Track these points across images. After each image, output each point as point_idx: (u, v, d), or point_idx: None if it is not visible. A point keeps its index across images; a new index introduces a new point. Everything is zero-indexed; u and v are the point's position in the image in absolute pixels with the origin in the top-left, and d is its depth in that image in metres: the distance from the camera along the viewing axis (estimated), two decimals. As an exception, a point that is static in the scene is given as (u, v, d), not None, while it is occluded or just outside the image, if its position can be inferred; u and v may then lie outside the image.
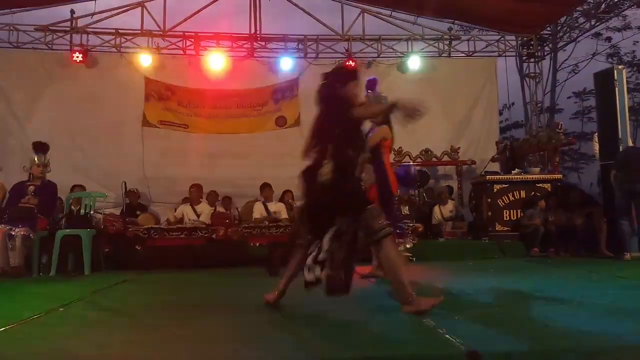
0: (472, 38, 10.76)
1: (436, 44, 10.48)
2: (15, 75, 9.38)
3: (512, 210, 7.72)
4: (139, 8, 9.63)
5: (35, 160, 6.07)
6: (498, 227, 7.67)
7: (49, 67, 9.46)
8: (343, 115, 3.16)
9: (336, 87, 3.28)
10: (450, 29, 10.92)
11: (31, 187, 6.02)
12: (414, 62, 10.00)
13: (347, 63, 9.89)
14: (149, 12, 9.65)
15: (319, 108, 3.38)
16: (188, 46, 9.93)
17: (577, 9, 9.62)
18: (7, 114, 9.23)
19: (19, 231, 5.60)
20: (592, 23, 9.97)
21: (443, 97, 10.13)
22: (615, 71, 7.23)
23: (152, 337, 2.57)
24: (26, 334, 2.69)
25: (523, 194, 7.76)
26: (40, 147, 6.14)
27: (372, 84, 5.24)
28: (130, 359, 2.17)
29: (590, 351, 2.18)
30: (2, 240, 5.53)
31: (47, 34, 9.60)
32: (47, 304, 3.61)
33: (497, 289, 4.01)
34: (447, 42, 10.49)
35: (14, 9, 9.39)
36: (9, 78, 9.34)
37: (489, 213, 7.74)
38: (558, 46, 11.21)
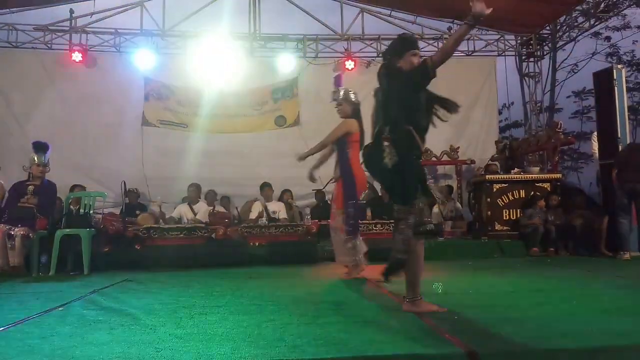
0: (472, 37, 10.74)
1: (435, 44, 10.48)
2: (14, 75, 9.37)
3: (511, 210, 7.72)
4: (139, 7, 9.63)
5: (35, 160, 6.07)
6: (497, 227, 7.67)
7: (48, 67, 9.46)
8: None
9: (393, 61, 3.18)
10: (449, 28, 10.94)
11: (31, 186, 6.01)
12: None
13: (346, 62, 9.91)
14: (148, 12, 9.66)
15: (382, 88, 3.23)
16: (188, 46, 9.92)
17: (577, 8, 9.62)
18: (6, 114, 9.23)
19: (18, 231, 5.60)
20: (592, 22, 9.97)
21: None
22: (614, 70, 7.24)
23: (151, 336, 2.57)
24: (25, 333, 2.69)
25: (522, 193, 7.77)
26: (40, 147, 6.14)
27: (338, 80, 5.31)
28: (129, 359, 2.17)
29: (589, 350, 2.18)
30: (2, 239, 5.53)
31: (47, 33, 9.60)
32: (47, 303, 3.61)
33: (496, 289, 4.01)
34: (447, 42, 10.47)
35: (13, 9, 9.39)
36: (8, 78, 9.34)
37: (489, 212, 7.74)
38: (557, 45, 11.23)
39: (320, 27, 10.17)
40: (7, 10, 9.36)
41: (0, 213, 5.95)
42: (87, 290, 4.23)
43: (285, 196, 8.44)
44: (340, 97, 5.06)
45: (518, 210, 7.66)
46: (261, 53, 10.24)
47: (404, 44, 3.27)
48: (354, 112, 4.99)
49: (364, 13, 10.15)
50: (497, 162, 9.04)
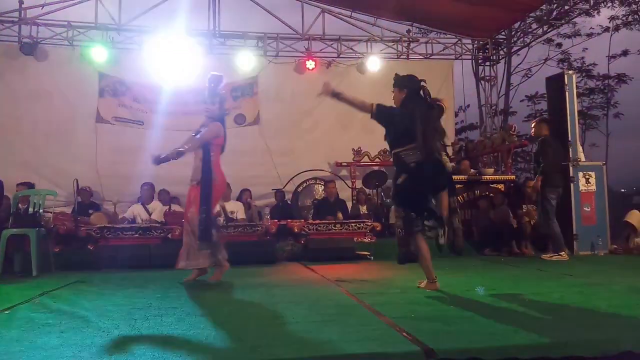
0: (430, 41, 10.94)
1: (395, 46, 10.61)
2: (-40, 67, 8.93)
3: (467, 210, 7.89)
4: (93, 0, 9.34)
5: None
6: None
7: (-4, 59, 9.05)
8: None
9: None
10: (408, 31, 11.10)
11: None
12: (373, 64, 10.09)
13: (307, 62, 9.91)
14: (103, 5, 9.37)
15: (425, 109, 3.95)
16: (144, 41, 9.68)
17: (531, 15, 9.94)
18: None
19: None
20: (545, 29, 10.33)
21: (402, 98, 10.27)
22: (565, 76, 7.49)
23: (104, 340, 2.49)
24: (-32, 338, 2.56)
25: (477, 193, 7.96)
26: (-14, 143, 5.88)
27: (217, 80, 5.26)
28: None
29: (542, 346, 2.24)
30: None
31: (-6, 24, 9.18)
32: (-9, 306, 3.46)
33: (452, 287, 4.08)
34: (406, 44, 10.63)
35: (-42, -2, 8.95)
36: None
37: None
38: (512, 50, 11.55)
39: (281, 26, 10.13)
40: (-48, -2, 8.92)
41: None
42: (36, 293, 4.07)
43: (245, 195, 8.36)
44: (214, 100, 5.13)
45: (473, 211, 7.83)
46: (220, 50, 10.12)
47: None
48: (221, 116, 5.12)
49: (325, 13, 10.18)
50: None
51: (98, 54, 9.13)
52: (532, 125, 6.94)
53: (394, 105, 4.05)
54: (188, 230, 4.73)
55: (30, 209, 6.02)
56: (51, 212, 7.07)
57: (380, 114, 3.96)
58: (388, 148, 4.15)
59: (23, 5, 9.25)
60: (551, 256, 6.38)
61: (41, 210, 6.10)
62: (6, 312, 3.29)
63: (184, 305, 3.47)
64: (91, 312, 3.20)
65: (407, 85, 4.05)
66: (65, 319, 3.02)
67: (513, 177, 8.49)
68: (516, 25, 10.56)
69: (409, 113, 3.86)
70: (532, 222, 7.22)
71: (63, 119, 9.10)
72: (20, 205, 6.19)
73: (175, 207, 8.22)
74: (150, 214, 7.55)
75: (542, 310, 3.11)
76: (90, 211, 7.74)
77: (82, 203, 7.71)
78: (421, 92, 4.01)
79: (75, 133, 9.18)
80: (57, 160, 8.90)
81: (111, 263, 6.05)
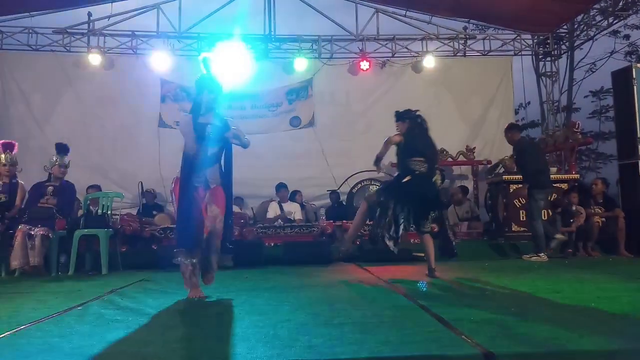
0: (488, 37, 10.69)
1: (451, 44, 10.43)
2: (34, 78, 9.53)
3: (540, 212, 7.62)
4: (155, 10, 9.73)
5: (56, 161, 6.16)
6: (514, 228, 7.60)
7: (67, 70, 9.60)
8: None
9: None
10: (465, 28, 10.87)
11: (50, 187, 6.11)
12: (429, 62, 9.97)
13: (361, 62, 9.90)
14: (164, 14, 9.75)
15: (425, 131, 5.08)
16: (203, 48, 9.99)
17: (594, 6, 9.50)
18: (26, 116, 9.38)
19: (38, 231, 5.69)
20: (610, 21, 9.83)
21: (458, 96, 10.10)
22: (633, 69, 7.14)
23: (167, 336, 2.60)
24: (45, 332, 2.73)
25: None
26: (62, 148, 6.23)
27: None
28: (147, 358, 2.19)
29: (607, 352, 2.16)
30: (22, 239, 5.62)
31: (65, 36, 9.74)
32: (66, 302, 3.66)
33: (513, 290, 3.98)
34: (462, 42, 10.43)
35: (33, 12, 9.54)
36: (28, 81, 9.50)
37: (505, 213, 7.68)
38: (575, 44, 11.07)
39: (335, 27, 10.18)
40: (27, 13, 9.51)
41: (20, 213, 6.05)
42: (105, 290, 4.28)
43: (297, 197, 8.48)
44: None
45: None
46: (276, 54, 10.28)
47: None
48: None
49: (379, 13, 10.14)
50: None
51: (160, 61, 9.50)
52: (505, 134, 7.02)
53: (400, 134, 5.00)
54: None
55: (100, 211, 6.35)
56: (118, 214, 7.42)
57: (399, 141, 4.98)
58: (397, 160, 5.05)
59: (91, 18, 9.76)
60: (530, 256, 6.41)
61: (109, 212, 6.42)
62: (79, 308, 3.48)
63: (243, 304, 3.55)
64: (155, 310, 3.34)
65: (408, 117, 5.10)
66: (132, 316, 3.16)
67: (577, 176, 8.15)
68: (579, 18, 10.10)
69: (418, 136, 4.98)
70: (599, 224, 6.91)
71: (128, 125, 9.53)
72: (90, 207, 6.53)
73: (234, 209, 8.42)
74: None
75: (609, 314, 2.97)
76: (154, 212, 8.06)
77: (146, 204, 8.05)
78: (418, 119, 5.08)
79: (140, 137, 9.58)
80: (123, 164, 9.32)
81: (174, 263, 6.25)
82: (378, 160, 5.06)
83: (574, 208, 7.03)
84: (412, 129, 5.01)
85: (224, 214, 3.96)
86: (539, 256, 6.36)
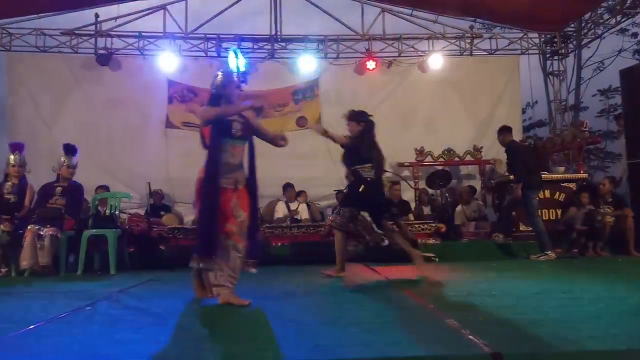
0: (494, 36, 10.67)
1: (457, 43, 10.40)
2: (42, 79, 9.60)
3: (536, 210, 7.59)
4: (162, 11, 9.77)
5: (64, 162, 6.20)
6: (522, 228, 7.56)
7: (74, 71, 9.66)
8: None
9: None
10: (471, 27, 10.86)
11: (59, 188, 6.15)
12: (435, 61, 9.95)
13: (367, 62, 9.90)
14: (171, 15, 9.79)
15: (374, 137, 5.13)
16: (209, 48, 10.03)
17: (602, 4, 9.45)
18: (35, 117, 9.45)
19: (47, 231, 5.73)
20: (618, 19, 9.77)
21: (465, 96, 10.08)
22: (641, 68, 7.09)
23: (177, 336, 2.61)
24: (54, 331, 2.76)
25: (547, 193, 7.64)
26: (70, 149, 6.28)
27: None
28: (155, 358, 2.20)
29: (616, 353, 2.14)
30: (32, 239, 5.66)
31: (73, 37, 9.79)
32: (75, 302, 3.69)
33: (521, 290, 3.96)
34: (469, 41, 10.40)
35: (41, 14, 9.60)
36: (36, 82, 9.56)
37: (513, 213, 7.64)
38: (582, 43, 11.01)
39: (341, 27, 10.18)
40: (35, 15, 9.57)
41: (30, 214, 6.09)
42: (114, 290, 4.31)
43: (301, 197, 8.50)
44: None
45: (544, 211, 7.53)
46: (282, 54, 10.30)
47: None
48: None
49: (385, 13, 10.13)
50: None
51: (167, 61, 9.54)
52: (497, 136, 7.22)
53: (350, 134, 5.08)
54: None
55: (108, 211, 6.39)
56: (127, 214, 7.47)
57: (348, 143, 5.09)
58: (345, 167, 5.20)
59: (98, 19, 9.81)
60: (538, 256, 6.41)
61: (117, 212, 6.46)
62: (88, 307, 3.50)
63: (251, 304, 3.55)
64: (164, 310, 3.35)
65: (364, 120, 5.09)
66: (141, 316, 3.18)
67: (585, 175, 8.10)
68: (586, 16, 10.05)
69: (368, 142, 5.02)
70: (609, 224, 6.87)
71: (135, 125, 9.57)
72: (99, 207, 6.57)
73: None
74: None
75: (618, 315, 2.95)
76: (162, 213, 8.09)
77: (154, 205, 8.08)
78: (372, 125, 5.10)
79: (147, 138, 9.62)
80: (131, 164, 9.36)
81: (181, 262, 6.28)
82: (326, 133, 5.14)
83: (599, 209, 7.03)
84: (364, 133, 5.06)
85: (250, 218, 3.63)
86: (546, 254, 6.38)
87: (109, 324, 2.97)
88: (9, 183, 6.14)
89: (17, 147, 6.27)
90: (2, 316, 3.21)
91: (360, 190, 4.95)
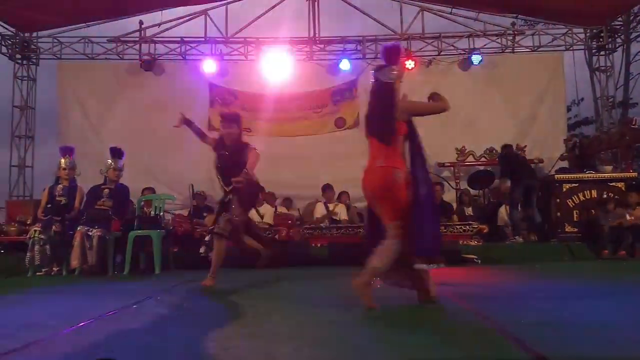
0: (537, 32, 10.40)
1: (499, 40, 10.20)
2: (90, 85, 9.96)
3: (582, 211, 7.38)
4: (203, 16, 9.97)
5: (111, 165, 6.42)
6: (568, 228, 7.36)
7: (120, 77, 9.98)
8: None
9: None
10: (513, 24, 10.61)
11: (106, 190, 6.37)
12: (476, 60, 9.78)
13: (406, 61, 9.82)
14: (211, 20, 9.98)
15: None
16: (250, 52, 10.17)
17: (652, -4, 9.09)
18: (83, 122, 9.81)
19: (95, 232, 5.94)
20: (670, 11, 9.38)
21: (507, 94, 9.87)
22: (696, 62, 6.78)
23: (219, 335, 2.66)
24: (103, 328, 2.85)
25: (594, 193, 7.41)
26: (117, 152, 6.50)
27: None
28: (199, 356, 2.25)
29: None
30: (81, 240, 5.89)
31: (118, 44, 10.11)
32: (122, 301, 3.81)
33: (566, 292, 3.86)
34: (511, 38, 10.18)
35: (89, 23, 9.96)
36: (84, 88, 9.93)
37: (558, 214, 7.44)
38: (631, 37, 10.60)
39: (379, 27, 10.14)
40: (84, 24, 9.94)
41: (79, 215, 6.33)
42: (159, 289, 4.42)
43: (343, 197, 8.48)
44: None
45: (592, 212, 7.30)
46: (321, 56, 10.34)
47: None
48: None
49: (424, 12, 10.03)
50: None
51: (208, 66, 9.73)
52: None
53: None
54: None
55: (152, 212, 6.57)
56: (171, 214, 7.65)
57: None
58: None
59: (142, 26, 10.10)
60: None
61: (162, 213, 6.63)
62: (134, 306, 3.61)
63: (289, 305, 3.59)
64: (206, 308, 3.43)
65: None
66: (184, 314, 3.27)
67: (635, 174, 7.81)
68: (635, 8, 9.68)
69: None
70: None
71: (178, 128, 9.75)
72: (144, 208, 6.76)
73: (280, 209, 8.53)
74: (261, 217, 7.88)
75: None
76: (204, 214, 8.25)
77: (197, 206, 8.25)
78: None
79: (190, 141, 9.73)
80: (174, 167, 9.58)
81: (223, 262, 6.39)
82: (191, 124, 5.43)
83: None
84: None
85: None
86: (515, 239, 7.53)
87: (155, 322, 3.05)
88: (60, 185, 6.40)
89: (67, 151, 6.53)
90: (54, 313, 3.35)
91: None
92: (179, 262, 6.57)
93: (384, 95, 3.66)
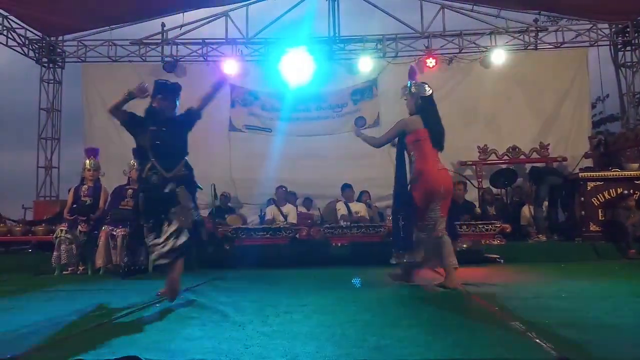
0: (561, 28, 10.24)
1: (521, 37, 10.07)
2: (114, 87, 10.04)
3: (607, 210, 7.23)
4: (224, 17, 10.05)
5: (134, 165, 6.51)
6: (592, 227, 7.22)
7: (143, 78, 10.06)
8: None
9: None
10: (536, 20, 10.46)
11: (130, 190, 6.46)
12: (498, 57, 9.68)
13: (427, 60, 9.76)
14: (232, 21, 10.06)
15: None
16: (270, 52, 10.22)
17: (681, -10, 8.87)
18: (108, 124, 9.93)
19: (119, 231, 6.05)
20: (699, 4, 9.14)
21: (530, 91, 9.74)
22: None
23: (240, 333, 2.68)
24: (124, 326, 2.91)
25: (619, 192, 7.25)
26: (139, 154, 6.58)
27: (412, 74, 4.84)
28: (220, 354, 2.28)
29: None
30: (106, 240, 6.00)
31: (141, 47, 10.26)
32: (144, 299, 3.87)
33: (591, 293, 3.79)
34: (533, 34, 10.04)
35: (112, 26, 10.12)
36: (108, 90, 10.05)
37: (582, 212, 7.31)
38: (658, 32, 10.36)
39: (399, 26, 10.10)
40: (107, 27, 10.11)
41: (104, 215, 6.44)
42: (182, 288, 4.47)
43: (364, 197, 8.48)
44: (405, 92, 4.62)
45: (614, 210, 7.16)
46: (340, 55, 10.33)
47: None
48: (417, 107, 4.51)
49: (445, 9, 9.95)
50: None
51: (229, 67, 9.80)
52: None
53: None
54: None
55: (174, 213, 6.62)
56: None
57: None
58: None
59: (164, 28, 10.23)
60: None
61: (183, 214, 6.69)
62: (157, 305, 3.67)
63: (311, 303, 3.60)
64: (228, 307, 3.45)
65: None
66: (206, 313, 3.29)
67: (662, 172, 7.61)
68: (663, 2, 9.46)
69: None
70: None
71: (200, 129, 9.60)
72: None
73: (300, 209, 8.56)
74: (285, 216, 7.91)
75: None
76: (226, 215, 8.33)
77: (220, 207, 8.33)
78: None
79: (211, 141, 9.91)
80: (195, 167, 9.61)
81: (244, 261, 6.46)
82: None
83: None
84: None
85: None
86: (538, 238, 7.58)
87: (176, 320, 3.09)
88: (85, 186, 6.52)
89: (92, 153, 6.65)
90: (79, 311, 3.42)
91: None
92: (202, 261, 6.63)
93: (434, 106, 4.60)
